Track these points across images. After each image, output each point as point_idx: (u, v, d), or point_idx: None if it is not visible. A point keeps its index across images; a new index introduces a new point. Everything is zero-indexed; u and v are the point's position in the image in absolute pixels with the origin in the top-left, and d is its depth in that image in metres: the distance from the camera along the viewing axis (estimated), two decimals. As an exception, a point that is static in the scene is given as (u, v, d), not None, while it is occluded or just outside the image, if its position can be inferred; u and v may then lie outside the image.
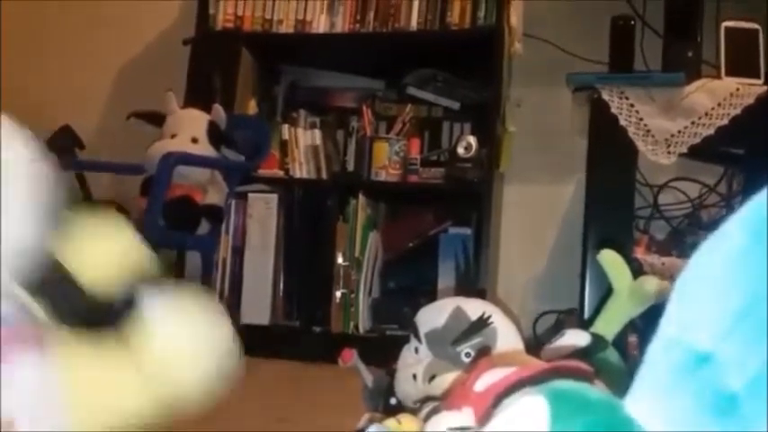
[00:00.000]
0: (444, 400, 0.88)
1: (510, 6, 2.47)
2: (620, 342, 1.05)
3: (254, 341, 2.55)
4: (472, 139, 2.42)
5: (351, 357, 1.18)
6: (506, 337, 1.01)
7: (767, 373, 0.42)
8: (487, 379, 0.77)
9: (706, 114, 1.87)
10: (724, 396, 0.43)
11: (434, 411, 0.83)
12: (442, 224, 2.60)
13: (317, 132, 2.61)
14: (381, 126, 2.73)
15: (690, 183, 2.41)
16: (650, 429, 0.45)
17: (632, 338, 1.52)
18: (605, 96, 1.92)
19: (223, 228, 2.43)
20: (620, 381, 0.54)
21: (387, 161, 2.51)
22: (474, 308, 1.03)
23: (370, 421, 1.05)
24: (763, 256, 0.43)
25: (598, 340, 1.01)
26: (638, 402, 0.46)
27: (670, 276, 1.70)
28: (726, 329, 0.43)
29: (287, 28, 2.63)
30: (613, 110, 1.90)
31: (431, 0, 2.53)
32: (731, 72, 1.93)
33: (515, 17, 2.49)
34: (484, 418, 0.69)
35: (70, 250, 0.57)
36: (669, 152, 1.89)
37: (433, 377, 0.98)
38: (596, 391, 0.50)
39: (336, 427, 1.37)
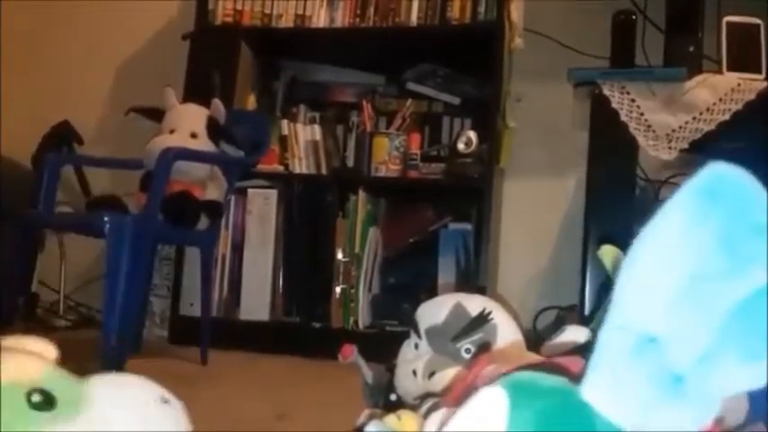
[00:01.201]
0: (444, 397, 0.87)
1: (510, 1, 2.46)
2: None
3: (253, 337, 2.57)
4: (472, 135, 2.41)
5: (351, 353, 1.18)
6: (507, 333, 1.00)
7: (710, 350, 0.44)
8: (488, 375, 0.76)
9: (707, 110, 1.86)
10: (672, 376, 0.44)
11: (434, 408, 0.83)
12: (442, 220, 2.60)
13: (317, 128, 2.60)
14: (381, 121, 2.73)
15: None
16: (603, 411, 0.46)
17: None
18: (606, 91, 1.91)
19: (222, 223, 2.43)
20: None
21: (387, 156, 2.50)
22: (474, 304, 1.02)
23: (370, 418, 1.04)
24: (700, 236, 0.44)
25: (599, 336, 1.01)
26: (591, 386, 0.47)
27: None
28: (668, 311, 0.44)
29: (286, 23, 2.63)
30: (614, 105, 1.90)
31: (431, -5, 2.52)
32: (732, 67, 1.92)
33: (516, 12, 2.48)
34: (450, 412, 0.69)
35: None
36: (670, 147, 1.88)
37: (433, 373, 0.98)
38: (552, 378, 0.51)
39: (336, 424, 1.36)
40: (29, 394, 0.51)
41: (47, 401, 0.52)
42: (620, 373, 0.46)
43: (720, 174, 0.44)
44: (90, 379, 0.58)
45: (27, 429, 0.50)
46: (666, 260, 0.44)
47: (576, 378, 0.58)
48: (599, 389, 0.47)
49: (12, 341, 0.57)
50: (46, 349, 0.59)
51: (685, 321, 0.44)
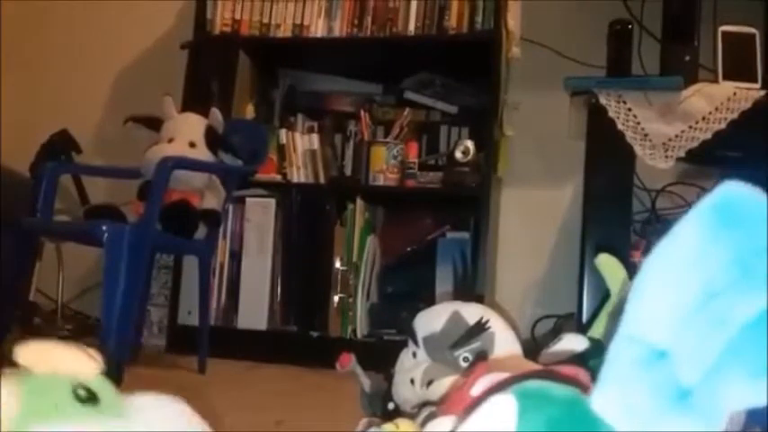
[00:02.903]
0: (442, 405, 0.88)
1: (508, 11, 2.47)
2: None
3: (251, 346, 2.56)
4: (470, 144, 2.42)
5: (349, 362, 1.18)
6: (504, 341, 1.01)
7: (719, 366, 0.44)
8: (485, 383, 0.76)
9: (703, 119, 1.87)
10: (680, 389, 0.45)
11: (432, 416, 0.83)
12: (440, 229, 2.60)
13: (315, 137, 2.60)
14: (379, 130, 2.73)
15: (687, 187, 2.41)
16: (611, 422, 0.47)
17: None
18: (603, 100, 1.92)
19: (221, 232, 2.43)
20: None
21: (384, 165, 2.50)
22: (472, 312, 1.02)
23: (368, 426, 1.04)
24: (713, 254, 0.45)
25: (596, 345, 1.01)
26: (600, 396, 0.48)
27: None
28: (679, 326, 0.45)
29: (285, 32, 2.63)
30: (611, 114, 1.91)
31: (429, 4, 2.54)
32: (728, 76, 1.93)
33: (513, 21, 2.49)
34: (461, 420, 0.70)
35: None
36: (667, 156, 1.89)
37: (430, 382, 0.98)
38: (562, 388, 0.52)
39: (334, 433, 1.36)
40: (74, 389, 0.53)
41: (91, 398, 0.53)
42: (629, 385, 0.46)
43: (735, 192, 0.45)
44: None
45: (70, 419, 0.52)
46: (679, 275, 0.45)
47: (582, 387, 0.59)
48: (607, 399, 0.47)
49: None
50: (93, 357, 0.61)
51: (695, 336, 0.45)
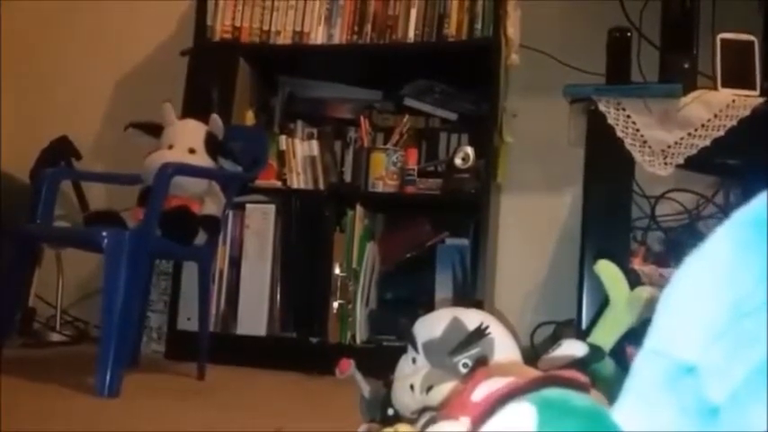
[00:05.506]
0: (442, 411, 0.88)
1: (507, 18, 2.48)
2: (618, 352, 1.05)
3: (251, 352, 2.56)
4: (469, 150, 2.42)
5: (348, 368, 1.18)
6: (504, 347, 1.01)
7: (749, 384, 0.43)
8: (485, 389, 0.77)
9: (702, 126, 1.88)
10: (706, 406, 0.44)
11: (432, 422, 0.83)
12: (439, 235, 2.60)
13: (315, 143, 2.61)
14: (379, 137, 2.74)
15: (687, 194, 2.41)
16: None
17: (630, 349, 1.52)
18: (602, 108, 1.92)
19: (220, 238, 2.43)
20: (617, 391, 0.54)
21: (384, 172, 2.51)
22: (471, 318, 1.03)
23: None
24: (744, 271, 0.44)
25: (595, 350, 1.01)
26: (624, 410, 0.47)
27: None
28: (709, 342, 0.44)
29: (285, 39, 2.64)
30: (610, 121, 1.91)
31: (428, 12, 2.54)
32: (727, 83, 1.93)
33: (512, 29, 2.50)
34: (476, 425, 0.70)
35: None
36: (666, 163, 1.89)
37: (430, 387, 0.98)
38: (583, 398, 0.51)
39: (333, 439, 1.36)
40: None
41: None
42: (654, 399, 0.45)
43: None
44: None
45: None
46: (710, 291, 0.44)
47: (584, 389, 0.58)
48: (631, 413, 0.46)
49: None
50: None
51: (724, 353, 0.44)
